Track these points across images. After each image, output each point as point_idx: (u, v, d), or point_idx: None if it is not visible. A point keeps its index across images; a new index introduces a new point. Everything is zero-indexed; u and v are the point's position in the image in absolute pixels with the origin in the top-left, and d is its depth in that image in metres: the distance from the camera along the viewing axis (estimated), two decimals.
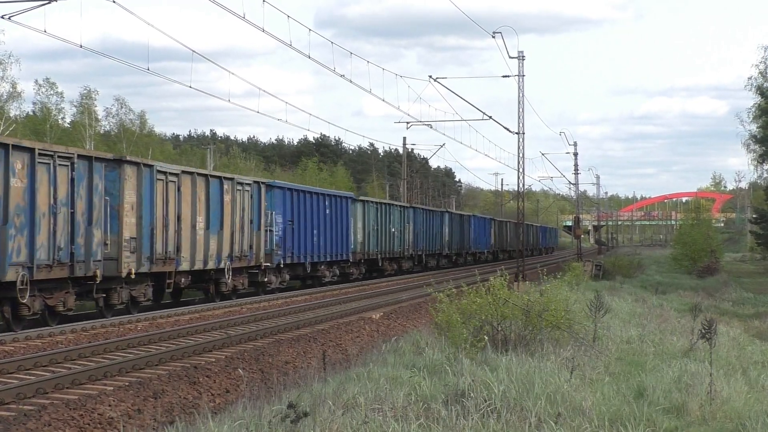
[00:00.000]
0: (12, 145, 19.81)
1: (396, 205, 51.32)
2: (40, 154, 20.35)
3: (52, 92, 68.38)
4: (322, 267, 38.80)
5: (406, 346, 17.22)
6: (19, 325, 20.24)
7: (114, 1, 22.76)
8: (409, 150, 73.88)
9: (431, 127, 51.11)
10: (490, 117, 43.69)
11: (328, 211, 39.19)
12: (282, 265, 34.29)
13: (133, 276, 23.82)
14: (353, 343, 20.96)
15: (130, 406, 12.93)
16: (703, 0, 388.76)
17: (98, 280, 22.51)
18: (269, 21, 31.38)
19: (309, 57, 29.78)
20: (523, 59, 40.66)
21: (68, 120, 72.52)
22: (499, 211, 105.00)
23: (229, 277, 29.40)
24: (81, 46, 25.61)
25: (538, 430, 10.34)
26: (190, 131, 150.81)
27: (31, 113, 71.01)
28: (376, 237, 45.98)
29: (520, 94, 41.32)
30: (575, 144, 74.56)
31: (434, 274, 48.01)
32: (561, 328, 17.33)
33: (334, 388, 12.17)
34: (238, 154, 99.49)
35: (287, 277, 35.37)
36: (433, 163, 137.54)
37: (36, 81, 71.38)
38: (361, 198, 46.10)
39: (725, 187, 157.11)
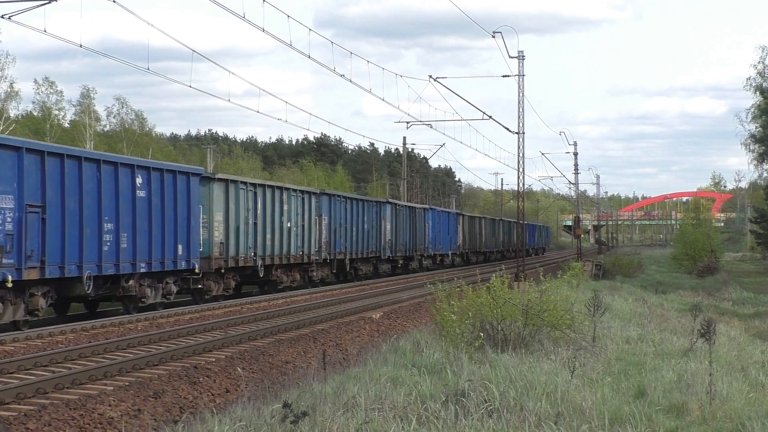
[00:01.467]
0: None
1: (296, 191, 36.49)
2: None
3: (51, 91, 68.49)
4: (132, 281, 25.16)
5: (406, 346, 17.22)
6: None
7: (114, 1, 22.77)
8: (409, 150, 73.93)
9: (431, 127, 51.11)
10: (490, 117, 43.75)
11: (143, 194, 25.57)
12: (11, 282, 20.12)
13: None
14: (353, 342, 20.96)
15: (130, 406, 12.93)
16: (702, 0, 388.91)
17: None
18: (269, 21, 31.27)
19: (309, 57, 29.88)
20: (523, 59, 40.66)
21: (68, 120, 72.65)
22: (499, 211, 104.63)
23: None
24: (81, 46, 25.64)
25: (538, 430, 10.34)
26: (188, 131, 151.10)
27: (30, 113, 71.09)
28: (254, 235, 31.98)
29: (520, 94, 41.32)
30: (575, 144, 74.69)
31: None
32: (559, 328, 17.35)
33: (334, 387, 12.17)
34: (240, 154, 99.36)
35: (43, 302, 21.95)
36: (433, 163, 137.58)
37: (35, 80, 71.35)
38: (221, 176, 30.73)
39: (725, 186, 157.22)
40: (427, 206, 59.28)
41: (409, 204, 54.54)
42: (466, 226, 66.04)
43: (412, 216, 52.64)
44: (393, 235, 48.62)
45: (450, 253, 61.25)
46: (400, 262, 50.72)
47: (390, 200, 50.89)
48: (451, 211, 66.47)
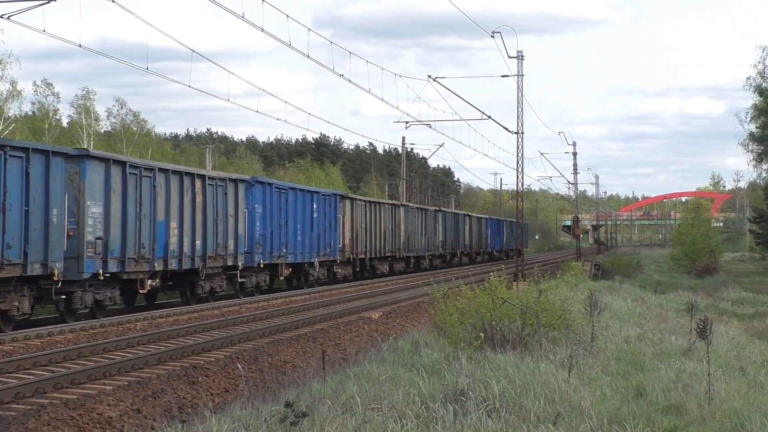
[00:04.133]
0: None
1: None
2: None
3: (49, 92, 68.65)
4: None
5: (405, 346, 17.23)
6: None
7: (113, 1, 22.76)
8: (408, 149, 73.89)
9: (430, 127, 50.95)
10: (489, 117, 43.73)
11: None
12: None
13: None
14: (352, 342, 20.96)
15: (130, 405, 12.93)
16: (701, 0, 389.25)
17: None
18: (268, 21, 31.31)
19: (308, 57, 29.83)
20: (522, 59, 40.67)
21: (65, 120, 72.77)
22: (497, 211, 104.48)
23: None
24: (80, 46, 25.61)
25: (537, 430, 10.35)
26: (187, 130, 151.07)
27: (30, 113, 71.23)
28: None
29: (519, 94, 41.33)
30: (574, 144, 74.88)
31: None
32: (557, 328, 17.36)
33: (333, 387, 12.18)
34: (241, 154, 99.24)
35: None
36: (432, 163, 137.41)
37: (34, 82, 71.61)
38: None
39: (724, 187, 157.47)
40: (248, 177, 33.74)
41: (181, 168, 28.74)
42: (360, 217, 43.87)
43: (190, 193, 27.71)
44: (117, 230, 23.96)
45: (317, 260, 38.40)
46: (152, 284, 25.95)
47: (116, 157, 24.99)
48: (323, 191, 41.76)
